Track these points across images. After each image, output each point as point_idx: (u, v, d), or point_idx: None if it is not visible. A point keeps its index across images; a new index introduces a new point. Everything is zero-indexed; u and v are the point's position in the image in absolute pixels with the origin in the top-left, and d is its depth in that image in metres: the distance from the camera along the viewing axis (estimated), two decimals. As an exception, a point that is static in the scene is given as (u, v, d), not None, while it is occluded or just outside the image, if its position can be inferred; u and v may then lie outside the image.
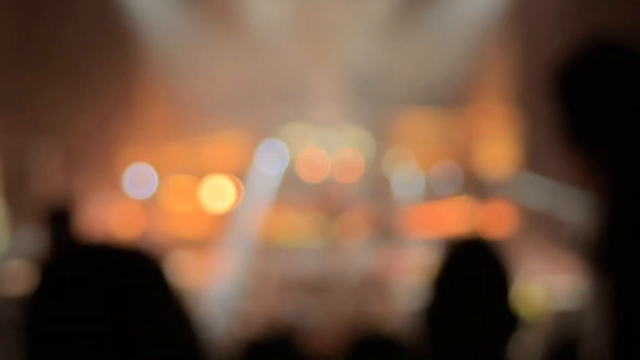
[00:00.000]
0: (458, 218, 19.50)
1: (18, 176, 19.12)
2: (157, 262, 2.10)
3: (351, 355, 4.27)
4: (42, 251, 7.56)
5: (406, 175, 19.84)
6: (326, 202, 19.90)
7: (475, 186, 20.71)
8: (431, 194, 20.07)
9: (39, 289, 2.10)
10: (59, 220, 7.27)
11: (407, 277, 17.74)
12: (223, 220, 20.28)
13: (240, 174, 20.72)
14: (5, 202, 19.10)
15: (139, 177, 20.32)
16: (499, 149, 21.70)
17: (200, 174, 20.99)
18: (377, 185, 20.87)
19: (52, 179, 19.32)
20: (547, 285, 17.24)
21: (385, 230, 19.70)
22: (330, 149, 21.19)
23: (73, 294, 2.04)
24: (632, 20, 17.43)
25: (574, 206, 13.74)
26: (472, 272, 2.80)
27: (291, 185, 21.19)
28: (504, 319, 2.82)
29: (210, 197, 20.56)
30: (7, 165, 19.59)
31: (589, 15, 18.78)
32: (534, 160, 20.88)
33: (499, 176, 20.93)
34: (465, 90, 22.63)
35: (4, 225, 18.86)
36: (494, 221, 19.90)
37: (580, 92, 2.89)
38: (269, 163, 21.52)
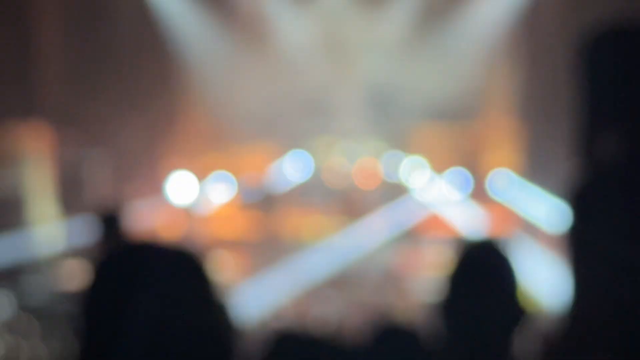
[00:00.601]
0: (468, 220, 19.43)
1: (73, 184, 19.12)
2: (199, 258, 2.09)
3: (371, 342, 4.25)
4: (94, 251, 7.56)
5: (421, 181, 19.78)
6: (349, 206, 19.86)
7: (481, 191, 20.71)
8: (442, 198, 20.01)
9: (94, 282, 2.09)
10: (109, 222, 7.27)
11: (424, 272, 17.68)
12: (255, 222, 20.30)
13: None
14: (61, 207, 19.15)
15: (181, 184, 20.31)
16: (504, 157, 21.64)
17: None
18: (394, 191, 20.84)
19: (103, 186, 19.33)
20: (543, 283, 17.24)
21: (403, 231, 19.64)
22: (352, 158, 21.15)
23: (124, 287, 2.03)
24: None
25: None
26: (483, 269, 2.78)
27: (317, 191, 21.16)
28: (512, 313, 2.79)
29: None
30: (63, 174, 19.63)
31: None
32: (534, 168, 20.93)
33: (504, 183, 20.88)
34: (473, 105, 22.59)
35: (59, 227, 18.90)
36: (499, 223, 19.87)
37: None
38: (295, 171, 21.64)
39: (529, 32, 21.46)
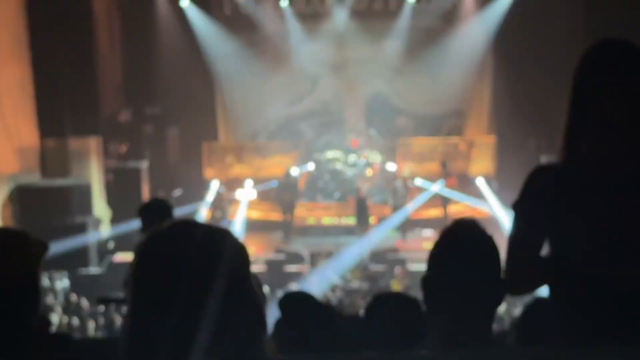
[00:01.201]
0: (451, 214, 19.34)
1: (120, 190, 19.21)
2: (233, 235, 1.99)
3: (370, 307, 4.19)
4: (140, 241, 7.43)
5: (412, 185, 19.74)
6: (353, 205, 19.77)
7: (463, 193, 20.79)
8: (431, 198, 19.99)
9: (142, 252, 1.97)
10: (153, 214, 7.10)
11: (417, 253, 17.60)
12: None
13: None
14: (110, 209, 19.27)
15: (215, 189, 20.33)
16: (480, 166, 21.73)
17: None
18: (391, 193, 20.89)
19: (150, 191, 19.34)
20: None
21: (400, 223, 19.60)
22: (356, 167, 21.17)
23: (167, 260, 1.91)
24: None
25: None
26: (465, 246, 2.65)
27: (327, 193, 21.20)
28: (493, 285, 2.65)
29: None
30: (113, 182, 19.76)
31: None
32: (502, 174, 21.03)
33: (480, 186, 20.96)
34: (456, 124, 22.77)
35: (108, 224, 19.06)
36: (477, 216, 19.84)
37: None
38: (310, 178, 21.84)
39: (497, 54, 21.56)
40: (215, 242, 1.99)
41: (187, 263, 1.91)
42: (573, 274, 2.75)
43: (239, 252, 2.02)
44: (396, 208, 19.30)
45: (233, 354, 1.92)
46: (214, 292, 1.90)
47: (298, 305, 4.17)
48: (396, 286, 15.69)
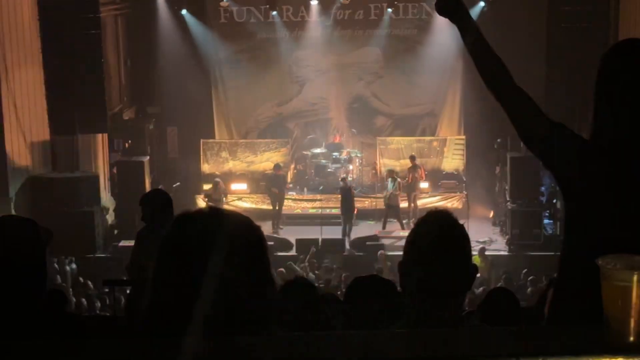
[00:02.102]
0: (421, 206, 19.34)
1: (123, 183, 19.18)
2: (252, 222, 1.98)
3: (350, 289, 4.18)
4: (142, 229, 7.38)
5: (390, 180, 19.69)
6: (337, 196, 19.71)
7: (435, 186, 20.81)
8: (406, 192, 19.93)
9: (170, 234, 1.95)
10: (155, 207, 7.07)
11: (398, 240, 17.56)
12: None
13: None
14: (115, 199, 19.25)
15: (211, 183, 20.25)
16: (451, 163, 21.75)
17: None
18: (369, 187, 20.91)
19: (148, 185, 19.26)
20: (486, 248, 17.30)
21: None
22: (339, 163, 21.12)
23: (195, 239, 1.89)
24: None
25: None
26: (438, 234, 2.64)
27: (313, 186, 21.18)
28: (462, 270, 2.64)
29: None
30: (117, 175, 19.72)
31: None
32: (471, 170, 21.09)
33: (453, 179, 21.00)
34: (430, 124, 22.78)
35: (112, 213, 19.04)
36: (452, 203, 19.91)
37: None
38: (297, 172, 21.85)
39: (467, 60, 21.49)
40: (239, 225, 1.98)
41: (212, 242, 1.89)
42: (585, 246, 2.78)
43: (257, 235, 2.00)
44: (390, 205, 19.26)
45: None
46: (233, 269, 1.88)
47: (297, 290, 4.14)
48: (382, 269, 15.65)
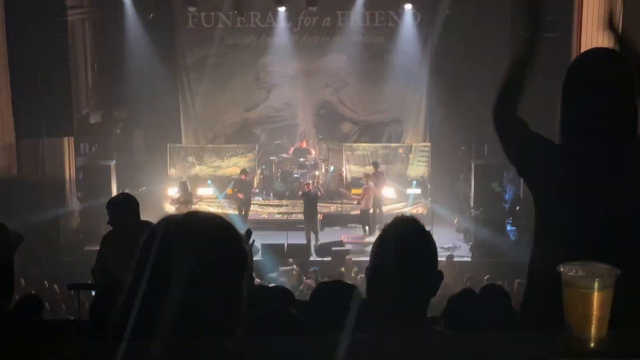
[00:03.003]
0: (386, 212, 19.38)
1: (90, 187, 19.07)
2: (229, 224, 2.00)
3: (314, 294, 4.18)
4: (109, 233, 7.35)
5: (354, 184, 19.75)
6: (302, 202, 19.67)
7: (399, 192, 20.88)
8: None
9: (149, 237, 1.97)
10: (122, 212, 7.04)
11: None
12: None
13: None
14: (81, 203, 19.11)
15: (178, 187, 20.12)
16: (416, 169, 21.83)
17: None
18: (335, 192, 20.91)
19: (115, 189, 19.13)
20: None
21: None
22: (305, 168, 21.10)
23: (171, 244, 1.92)
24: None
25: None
26: (404, 240, 2.66)
27: (279, 192, 21.13)
28: (427, 277, 2.66)
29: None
30: (83, 179, 19.57)
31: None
32: (435, 177, 21.20)
33: (418, 186, 21.06)
34: (395, 130, 22.84)
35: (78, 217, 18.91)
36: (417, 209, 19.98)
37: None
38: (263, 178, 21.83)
39: (432, 68, 21.73)
40: (221, 229, 2.00)
41: (193, 245, 1.91)
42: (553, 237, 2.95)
43: (230, 231, 2.02)
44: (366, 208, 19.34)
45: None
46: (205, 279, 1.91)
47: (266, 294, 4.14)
48: (349, 275, 15.67)
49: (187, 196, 19.29)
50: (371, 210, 19.29)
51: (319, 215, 19.17)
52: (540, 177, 3.02)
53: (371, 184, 19.26)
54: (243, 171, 19.96)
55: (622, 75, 2.97)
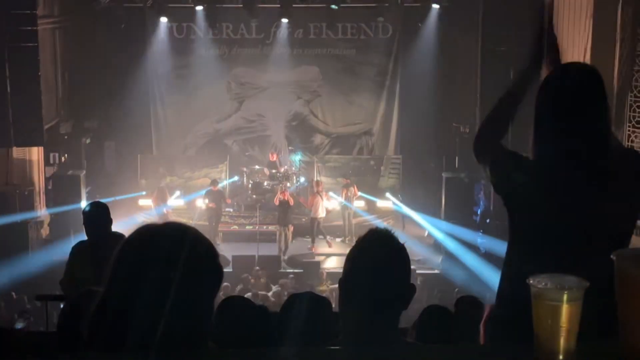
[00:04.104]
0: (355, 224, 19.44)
1: (59, 197, 18.92)
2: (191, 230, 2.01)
3: (285, 306, 4.18)
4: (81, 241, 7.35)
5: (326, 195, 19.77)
6: (273, 214, 19.66)
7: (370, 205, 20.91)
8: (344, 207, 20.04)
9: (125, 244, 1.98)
10: (93, 221, 7.05)
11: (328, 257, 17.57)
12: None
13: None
14: (50, 213, 18.95)
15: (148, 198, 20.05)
16: (387, 181, 21.88)
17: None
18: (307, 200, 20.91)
19: (88, 197, 19.00)
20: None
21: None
22: (277, 180, 21.05)
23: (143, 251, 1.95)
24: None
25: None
26: (378, 252, 2.66)
27: (250, 203, 21.08)
28: (400, 290, 2.66)
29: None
30: (53, 189, 19.42)
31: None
32: (406, 189, 21.27)
33: (389, 197, 21.12)
34: (367, 143, 22.89)
35: (47, 227, 18.73)
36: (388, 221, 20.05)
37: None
38: (234, 189, 21.75)
39: (403, 81, 21.85)
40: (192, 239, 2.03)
41: (163, 252, 1.94)
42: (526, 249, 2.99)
43: (206, 245, 2.06)
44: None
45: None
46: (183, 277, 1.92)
47: (236, 306, 4.13)
48: (323, 287, 15.67)
49: (163, 196, 19.41)
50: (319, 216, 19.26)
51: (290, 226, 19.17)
52: (513, 192, 3.05)
53: (321, 190, 19.35)
54: (213, 182, 19.92)
55: (596, 91, 3.01)
